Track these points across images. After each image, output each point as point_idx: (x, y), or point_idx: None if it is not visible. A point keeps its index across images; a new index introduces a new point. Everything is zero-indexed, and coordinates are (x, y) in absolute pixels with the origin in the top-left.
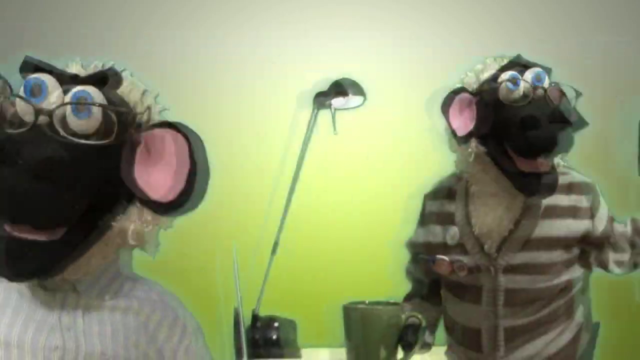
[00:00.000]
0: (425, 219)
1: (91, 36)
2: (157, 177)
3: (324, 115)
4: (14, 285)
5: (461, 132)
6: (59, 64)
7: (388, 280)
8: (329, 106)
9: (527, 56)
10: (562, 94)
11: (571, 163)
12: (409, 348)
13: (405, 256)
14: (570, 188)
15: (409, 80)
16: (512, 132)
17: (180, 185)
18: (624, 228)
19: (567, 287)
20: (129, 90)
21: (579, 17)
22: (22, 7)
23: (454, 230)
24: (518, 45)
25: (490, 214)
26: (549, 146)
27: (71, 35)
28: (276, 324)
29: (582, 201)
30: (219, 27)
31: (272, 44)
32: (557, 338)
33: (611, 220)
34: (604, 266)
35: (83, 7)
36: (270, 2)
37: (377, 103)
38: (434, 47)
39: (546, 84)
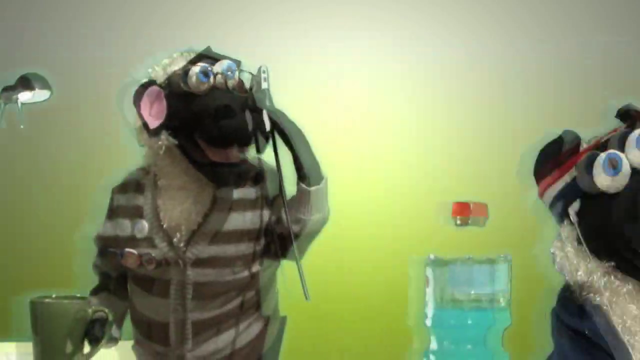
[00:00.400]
0: (113, 212)
1: (91, 36)
2: None
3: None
4: None
5: (152, 125)
6: None
7: (75, 274)
8: (16, 100)
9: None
10: (254, 85)
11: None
12: (95, 342)
13: (92, 250)
14: (258, 179)
15: (409, 80)
16: (204, 122)
17: None
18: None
19: (255, 279)
20: None
21: (579, 17)
22: (22, 7)
23: (142, 224)
24: (518, 45)
25: (179, 207)
26: (241, 136)
27: (71, 35)
28: None
29: (267, 190)
30: (219, 27)
31: (272, 44)
32: (245, 331)
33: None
34: (283, 255)
35: (83, 7)
36: (270, 2)
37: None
38: (434, 47)
39: (237, 75)
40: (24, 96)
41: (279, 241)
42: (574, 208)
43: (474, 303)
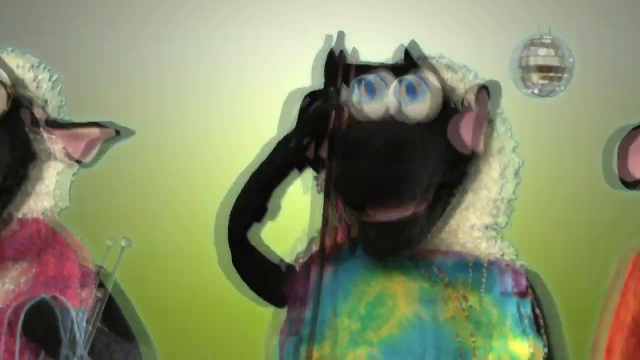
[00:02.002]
0: None
1: (91, 36)
2: None
3: None
4: None
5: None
6: None
7: None
8: None
9: None
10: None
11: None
12: None
13: None
14: None
15: None
16: None
17: None
18: None
19: None
20: None
21: (579, 17)
22: (22, 7)
23: None
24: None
25: None
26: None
27: (71, 35)
28: None
29: None
30: (219, 27)
31: (272, 44)
32: None
33: None
34: None
35: (83, 7)
36: (270, 2)
37: None
38: (434, 48)
39: None
40: None
41: None
42: None
43: None
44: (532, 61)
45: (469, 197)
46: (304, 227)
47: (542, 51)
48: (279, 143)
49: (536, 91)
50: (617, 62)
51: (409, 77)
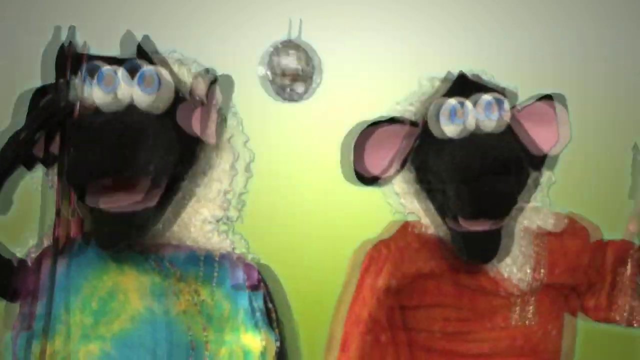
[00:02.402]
0: None
1: (91, 36)
2: None
3: None
4: None
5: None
6: None
7: None
8: None
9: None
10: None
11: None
12: None
13: None
14: None
15: (409, 80)
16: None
17: None
18: None
19: None
20: None
21: (580, 17)
22: (22, 7)
23: None
24: (519, 44)
25: None
26: None
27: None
28: None
29: None
30: (218, 27)
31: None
32: None
33: None
34: None
35: (83, 7)
36: (270, 2)
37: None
38: (434, 48)
39: None
40: None
41: None
42: None
43: None
44: (279, 64)
45: (201, 190)
46: (37, 221)
47: (289, 54)
48: (10, 137)
49: (282, 94)
50: (358, 61)
51: (140, 67)
